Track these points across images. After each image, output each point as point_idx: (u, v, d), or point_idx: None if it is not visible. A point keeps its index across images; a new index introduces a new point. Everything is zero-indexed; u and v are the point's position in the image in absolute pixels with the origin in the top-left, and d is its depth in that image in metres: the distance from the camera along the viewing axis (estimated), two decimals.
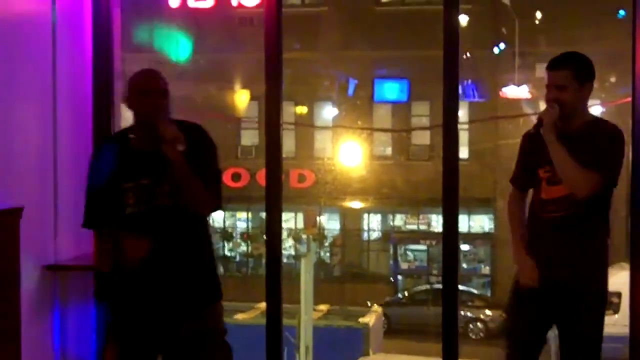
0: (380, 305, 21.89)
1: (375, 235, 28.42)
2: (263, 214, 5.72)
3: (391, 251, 27.69)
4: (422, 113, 26.33)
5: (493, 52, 25.21)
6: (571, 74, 4.21)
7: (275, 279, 5.51)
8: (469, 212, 25.37)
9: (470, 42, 21.70)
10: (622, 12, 21.23)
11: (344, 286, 25.55)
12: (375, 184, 25.71)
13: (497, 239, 25.53)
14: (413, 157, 26.31)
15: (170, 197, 3.89)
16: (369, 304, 21.58)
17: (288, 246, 25.01)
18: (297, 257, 20.32)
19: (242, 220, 28.19)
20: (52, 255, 5.14)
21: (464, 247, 25.48)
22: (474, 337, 23.17)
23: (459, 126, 5.50)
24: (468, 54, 22.56)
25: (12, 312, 4.65)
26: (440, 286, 5.74)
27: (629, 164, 5.00)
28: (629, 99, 5.15)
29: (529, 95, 22.79)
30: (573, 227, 4.26)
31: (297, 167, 24.97)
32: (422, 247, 27.25)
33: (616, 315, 16.51)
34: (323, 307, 18.63)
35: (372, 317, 18.16)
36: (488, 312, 23.89)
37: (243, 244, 28.14)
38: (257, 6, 20.35)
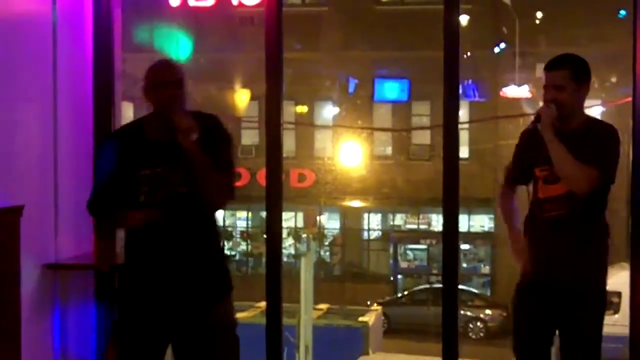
0: (380, 304, 21.90)
1: (375, 234, 28.44)
2: (263, 213, 5.73)
3: (391, 250, 27.70)
4: (422, 113, 26.34)
5: (493, 52, 25.22)
6: (569, 75, 4.27)
7: (275, 278, 5.51)
8: (469, 212, 25.37)
9: (471, 42, 21.70)
10: (622, 12, 21.25)
11: (344, 285, 25.57)
12: (375, 184, 25.72)
13: (497, 238, 25.53)
14: (413, 157, 26.32)
15: (185, 187, 3.93)
16: (369, 304, 21.60)
17: (288, 245, 25.02)
18: (297, 256, 20.32)
19: (242, 220, 28.20)
20: (52, 254, 5.14)
21: (464, 246, 25.48)
22: (473, 336, 23.17)
23: (460, 126, 5.50)
24: (468, 54, 22.56)
25: (12, 310, 4.65)
26: (440, 285, 5.74)
27: (629, 164, 5.01)
28: (630, 98, 5.15)
29: (529, 95, 22.80)
30: (571, 226, 4.29)
31: (297, 166, 24.99)
32: (422, 246, 27.27)
33: (616, 315, 16.51)
34: (323, 307, 18.61)
35: (371, 317, 18.15)
36: (488, 311, 23.90)
37: (243, 243, 28.16)
38: (258, 5, 20.34)
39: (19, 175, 4.84)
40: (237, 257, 27.75)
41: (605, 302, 4.39)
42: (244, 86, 25.75)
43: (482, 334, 23.43)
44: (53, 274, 5.13)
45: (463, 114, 23.64)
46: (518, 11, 24.31)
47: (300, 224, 24.68)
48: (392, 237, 27.66)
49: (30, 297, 4.88)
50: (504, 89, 23.47)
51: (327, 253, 28.00)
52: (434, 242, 25.93)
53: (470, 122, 25.14)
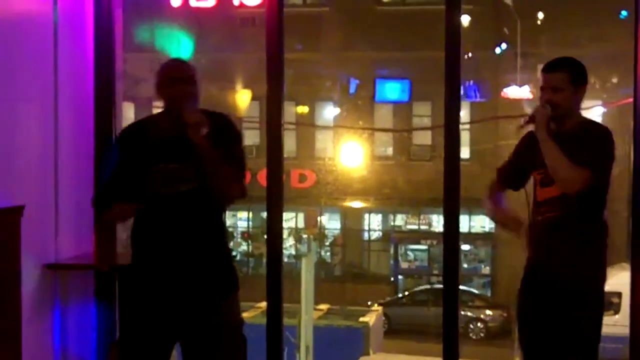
0: (380, 305, 21.89)
1: (376, 235, 28.43)
2: (264, 214, 5.72)
3: (392, 251, 27.69)
4: (423, 113, 26.34)
5: (495, 53, 25.22)
6: (567, 77, 4.30)
7: (275, 279, 5.52)
8: (470, 212, 25.33)
9: (472, 43, 21.69)
10: (624, 13, 21.25)
11: (345, 286, 25.56)
12: (376, 184, 25.71)
13: (497, 239, 25.52)
14: (414, 157, 26.32)
15: (196, 183, 3.96)
16: (370, 304, 21.59)
17: (289, 246, 25.01)
18: (297, 256, 20.31)
19: (242, 220, 28.20)
20: (52, 254, 5.14)
21: (465, 247, 25.48)
22: (474, 337, 23.16)
23: (460, 126, 5.50)
24: (470, 54, 22.55)
25: (13, 310, 4.65)
26: (440, 286, 5.74)
27: (630, 164, 5.01)
28: (631, 99, 5.15)
29: (530, 96, 22.79)
30: (567, 227, 4.32)
31: (298, 167, 24.99)
32: (423, 247, 27.26)
33: (616, 316, 16.52)
34: (323, 307, 18.62)
35: (372, 317, 18.15)
36: (488, 312, 23.89)
37: (244, 243, 28.16)
38: (259, 6, 20.34)
39: (20, 175, 4.84)
40: (238, 258, 27.73)
41: (602, 302, 4.40)
42: (245, 86, 25.75)
43: (482, 335, 23.43)
44: (53, 274, 5.13)
45: (464, 114, 23.62)
46: (519, 12, 24.31)
47: (301, 224, 24.66)
48: (393, 237, 27.65)
49: (30, 297, 4.88)
50: (505, 90, 23.46)
51: (328, 253, 28.00)
52: (434, 242, 25.93)
53: (471, 122, 25.14)
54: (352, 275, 26.85)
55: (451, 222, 5.41)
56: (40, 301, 5.05)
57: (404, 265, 27.53)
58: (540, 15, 24.61)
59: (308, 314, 15.26)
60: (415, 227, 27.72)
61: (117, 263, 5.54)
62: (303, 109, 26.60)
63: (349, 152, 24.60)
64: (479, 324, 23.65)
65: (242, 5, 22.08)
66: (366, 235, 28.29)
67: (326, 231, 27.59)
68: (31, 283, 4.90)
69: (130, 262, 4.20)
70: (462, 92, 5.54)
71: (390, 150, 27.26)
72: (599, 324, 4.39)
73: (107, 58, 5.64)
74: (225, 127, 4.10)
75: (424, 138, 26.69)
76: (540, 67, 4.49)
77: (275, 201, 5.47)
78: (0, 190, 4.61)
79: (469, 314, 23.12)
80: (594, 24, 22.64)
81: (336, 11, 26.25)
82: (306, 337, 15.13)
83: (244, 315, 4.26)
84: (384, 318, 20.51)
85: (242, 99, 25.97)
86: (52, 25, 5.18)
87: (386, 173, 25.75)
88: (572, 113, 4.36)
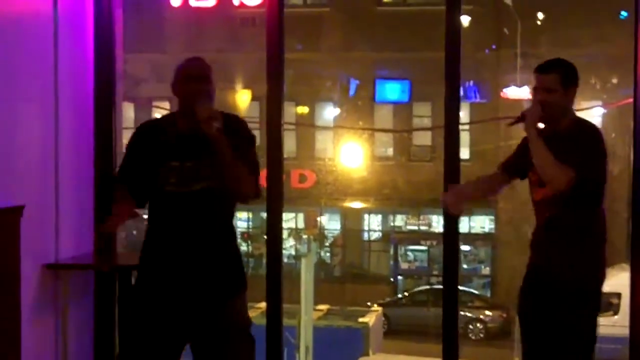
0: (380, 305, 21.89)
1: (375, 235, 28.43)
2: (264, 214, 5.72)
3: (391, 251, 27.68)
4: (423, 114, 26.34)
5: (495, 53, 25.22)
6: (559, 78, 4.38)
7: (275, 279, 5.52)
8: (470, 213, 25.36)
9: (472, 43, 21.69)
10: (624, 14, 21.26)
11: (344, 286, 25.55)
12: (376, 185, 25.72)
13: (497, 239, 25.55)
14: (414, 158, 26.33)
15: (210, 182, 3.99)
16: (369, 304, 21.59)
17: (289, 246, 25.01)
18: (297, 257, 20.34)
19: (242, 220, 28.19)
20: (52, 254, 5.14)
21: (465, 247, 25.47)
22: (474, 337, 23.17)
23: (460, 127, 5.51)
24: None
25: (12, 311, 4.64)
26: (440, 287, 5.74)
27: (630, 165, 5.02)
28: (631, 100, 5.16)
29: (530, 96, 22.77)
30: (562, 226, 4.38)
31: (298, 167, 24.99)
32: (423, 247, 27.25)
33: (616, 316, 16.55)
34: (323, 307, 18.63)
35: (372, 318, 18.16)
36: (488, 312, 23.90)
37: (244, 243, 28.15)
38: (259, 6, 20.37)
39: (20, 175, 4.84)
40: None
41: (596, 301, 4.43)
42: (245, 87, 25.76)
43: (482, 335, 23.43)
44: (53, 274, 5.13)
45: (464, 115, 23.63)
46: (519, 12, 24.31)
47: (300, 224, 24.69)
48: (393, 238, 27.65)
49: (30, 297, 4.88)
50: (504, 90, 23.47)
51: (328, 254, 27.99)
52: (434, 243, 25.92)
53: (471, 123, 25.15)
54: (351, 276, 26.85)
55: (451, 223, 5.42)
56: (40, 301, 5.04)
57: (403, 265, 27.53)
58: (540, 15, 24.62)
59: (308, 314, 15.27)
60: (415, 227, 27.71)
61: (117, 263, 5.55)
62: (303, 109, 26.60)
63: (349, 153, 24.61)
64: (478, 325, 23.66)
65: (242, 5, 22.11)
66: (366, 235, 28.29)
67: (326, 232, 27.59)
68: (31, 283, 4.90)
69: (138, 260, 4.22)
70: (462, 92, 5.54)
71: (390, 151, 27.26)
72: (594, 322, 4.42)
73: (107, 58, 5.64)
74: (239, 129, 4.14)
75: (424, 139, 26.69)
76: None
77: (275, 201, 5.47)
78: (0, 190, 4.60)
79: (468, 314, 23.11)
80: (594, 24, 22.64)
81: (336, 11, 26.26)
82: (306, 338, 15.14)
83: None
84: (383, 318, 20.52)
85: (242, 99, 25.97)
86: (52, 25, 5.18)
87: (386, 173, 25.75)
88: (567, 113, 4.43)
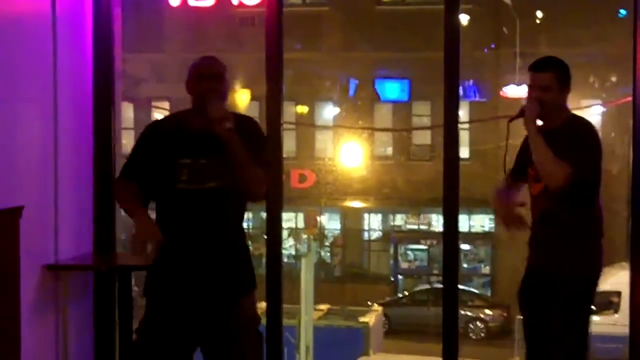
0: (380, 305, 21.89)
1: (375, 235, 28.42)
2: (264, 214, 5.72)
3: (391, 251, 27.68)
4: (423, 113, 26.34)
5: (495, 52, 25.21)
6: (554, 76, 4.46)
7: (275, 279, 5.52)
8: (470, 212, 25.35)
9: (471, 42, 21.69)
10: (623, 12, 21.26)
11: (345, 286, 25.56)
12: (375, 184, 25.71)
13: (497, 238, 25.52)
14: (414, 157, 26.32)
15: (224, 180, 3.99)
16: (369, 304, 21.58)
17: (289, 246, 25.00)
18: (297, 257, 20.31)
19: None
20: (52, 255, 5.13)
21: (465, 246, 25.47)
22: (474, 337, 23.16)
23: (460, 126, 5.51)
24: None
25: (12, 311, 4.64)
26: (440, 286, 5.75)
27: (629, 164, 5.03)
28: (630, 98, 5.17)
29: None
30: (556, 222, 4.46)
31: (297, 167, 24.99)
32: (423, 247, 27.25)
33: (616, 315, 16.57)
34: (323, 307, 18.62)
35: (372, 317, 18.16)
36: (488, 311, 23.89)
37: None
38: (258, 6, 20.35)
39: (19, 175, 4.83)
40: None
41: (588, 295, 4.48)
42: (244, 86, 25.73)
43: (482, 334, 23.43)
44: (53, 275, 5.12)
45: (463, 114, 23.64)
46: (518, 11, 24.31)
47: (300, 224, 24.68)
48: (393, 237, 27.65)
49: (30, 297, 4.87)
50: (504, 89, 23.46)
51: (328, 254, 27.98)
52: (434, 242, 25.91)
53: (470, 122, 25.14)
54: (352, 276, 26.85)
55: (451, 222, 5.42)
56: (40, 302, 5.04)
57: (403, 265, 27.53)
58: (540, 14, 24.62)
59: (308, 314, 15.27)
60: (415, 227, 27.71)
61: (116, 263, 5.55)
62: (303, 109, 26.59)
63: (348, 152, 24.60)
64: (479, 324, 23.66)
65: (241, 4, 22.10)
66: (366, 235, 28.28)
67: (326, 231, 27.57)
68: (31, 284, 4.90)
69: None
70: (461, 91, 5.55)
71: (389, 150, 27.26)
72: (582, 316, 4.48)
73: (106, 58, 5.64)
74: (251, 129, 4.15)
75: (423, 138, 26.69)
76: None
77: (274, 201, 5.46)
78: None
79: (469, 313, 23.11)
80: (593, 23, 22.65)
81: (335, 11, 26.26)
82: (306, 338, 15.14)
83: None
84: (384, 318, 20.51)
85: (242, 99, 25.95)
86: (51, 25, 5.17)
87: (386, 173, 25.74)
88: (561, 110, 4.50)
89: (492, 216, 26.20)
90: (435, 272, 25.50)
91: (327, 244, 27.80)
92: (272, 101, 5.50)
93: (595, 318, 15.64)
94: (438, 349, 5.53)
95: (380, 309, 20.41)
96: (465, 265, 25.73)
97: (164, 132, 4.14)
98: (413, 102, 26.63)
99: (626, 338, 5.15)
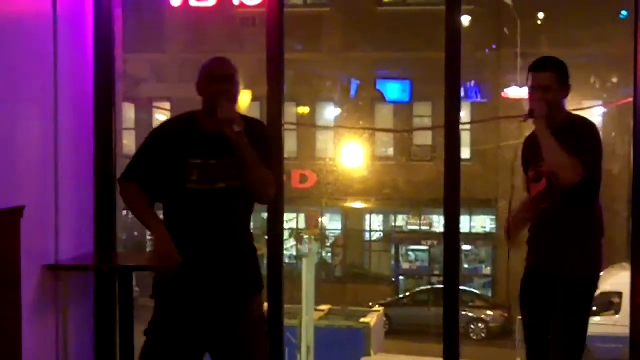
0: (381, 305, 21.89)
1: (376, 235, 28.42)
2: (264, 214, 5.72)
3: (393, 252, 27.68)
4: (424, 113, 26.33)
5: (496, 53, 25.22)
6: (555, 76, 4.48)
7: (276, 280, 5.51)
8: (471, 213, 25.37)
9: (473, 43, 21.69)
10: (624, 13, 21.25)
11: (346, 286, 25.56)
12: (377, 185, 25.71)
13: (498, 239, 25.51)
14: (415, 158, 26.31)
15: (234, 181, 3.99)
16: (371, 305, 21.59)
17: (290, 246, 24.99)
18: (298, 257, 20.30)
19: None
20: (52, 255, 5.13)
21: (466, 247, 25.48)
22: (475, 337, 23.16)
23: (461, 127, 5.51)
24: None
25: (13, 311, 4.64)
26: (441, 286, 5.74)
27: (630, 164, 5.03)
28: (631, 99, 5.17)
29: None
30: (554, 222, 4.48)
31: (299, 167, 24.99)
32: (424, 247, 27.25)
33: (617, 316, 16.55)
34: (324, 308, 18.63)
35: (373, 318, 18.16)
36: (489, 312, 23.89)
37: None
38: (259, 6, 20.35)
39: (20, 175, 4.83)
40: None
41: (591, 293, 4.48)
42: (245, 87, 25.59)
43: (483, 335, 23.43)
44: (53, 275, 5.12)
45: (465, 114, 23.62)
46: (519, 12, 24.30)
47: (302, 225, 24.66)
48: (394, 238, 27.64)
49: (30, 297, 4.87)
50: (505, 90, 23.46)
51: (329, 254, 27.99)
52: (435, 243, 25.91)
53: (471, 122, 25.15)
54: (353, 276, 26.84)
55: (452, 223, 5.41)
56: (41, 302, 5.04)
57: (405, 265, 27.53)
58: (541, 15, 24.61)
59: (309, 314, 15.27)
60: (416, 227, 27.71)
61: (117, 263, 5.55)
62: (304, 110, 26.59)
63: (349, 153, 24.59)
64: (480, 325, 23.65)
65: (242, 5, 22.09)
66: (367, 235, 28.28)
67: (327, 232, 27.58)
68: (31, 284, 4.89)
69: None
70: (462, 92, 5.55)
71: (391, 151, 27.25)
72: (583, 312, 4.47)
73: (106, 58, 5.64)
74: (262, 133, 4.17)
75: (424, 138, 26.68)
76: None
77: (276, 202, 5.46)
78: (0, 191, 4.60)
79: (470, 314, 23.11)
80: (594, 24, 22.64)
81: (337, 11, 26.26)
82: (307, 338, 15.14)
83: None
84: (385, 319, 20.52)
85: (243, 99, 25.92)
86: (52, 25, 5.17)
87: (387, 173, 25.74)
88: (561, 110, 4.52)
89: (493, 217, 26.21)
90: (437, 272, 25.49)
91: (328, 244, 27.80)
92: (273, 102, 5.50)
93: (596, 319, 15.64)
94: (439, 349, 5.53)
95: (381, 309, 20.43)
96: (466, 266, 25.73)
97: (175, 132, 4.13)
98: (414, 102, 26.62)
99: (627, 339, 5.15)
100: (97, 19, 5.59)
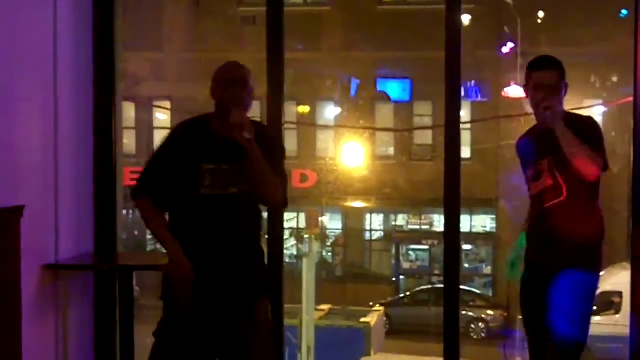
0: (382, 305, 21.89)
1: (377, 235, 28.42)
2: (265, 214, 5.71)
3: (393, 251, 27.68)
4: (424, 113, 26.32)
5: (496, 52, 25.20)
6: (557, 75, 4.47)
7: (277, 279, 5.51)
8: (471, 212, 25.36)
9: (473, 42, 21.69)
10: (624, 12, 21.24)
11: (346, 286, 25.56)
12: (377, 184, 25.71)
13: (498, 239, 25.52)
14: (415, 157, 26.30)
15: (247, 185, 4.00)
16: (371, 304, 21.58)
17: (290, 246, 25.00)
18: (299, 257, 20.31)
19: None
20: (52, 255, 5.14)
21: (466, 247, 25.48)
22: (475, 337, 23.17)
23: (461, 126, 5.51)
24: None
25: (13, 311, 4.64)
26: (442, 286, 5.75)
27: (630, 164, 5.02)
28: (631, 98, 5.17)
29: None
30: (554, 222, 4.46)
31: (299, 167, 24.98)
32: (424, 247, 27.25)
33: (617, 315, 16.57)
34: (325, 307, 18.63)
35: (373, 317, 18.16)
36: (490, 312, 23.90)
37: None
38: (259, 5, 20.35)
39: (20, 175, 4.84)
40: None
41: (595, 289, 4.47)
42: None
43: (483, 335, 23.43)
44: (53, 275, 5.12)
45: (465, 113, 23.62)
46: (520, 11, 24.29)
47: (302, 224, 24.66)
48: (394, 237, 27.64)
49: (30, 297, 4.87)
50: (505, 89, 23.45)
51: (329, 254, 27.99)
52: (435, 242, 25.92)
53: (472, 122, 25.13)
54: (353, 276, 26.84)
55: (452, 222, 5.41)
56: (41, 301, 5.04)
57: (405, 265, 27.54)
58: (541, 14, 24.61)
59: (309, 314, 15.27)
60: (417, 227, 27.70)
61: (117, 263, 5.55)
62: (304, 109, 26.59)
63: (350, 152, 24.60)
64: (480, 324, 23.66)
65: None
66: (367, 235, 28.28)
67: (327, 231, 27.58)
68: (31, 283, 4.90)
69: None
70: (463, 92, 5.55)
71: (391, 150, 27.25)
72: (584, 304, 4.46)
73: (107, 57, 5.64)
74: (270, 138, 4.18)
75: (425, 138, 26.67)
76: None
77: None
78: (0, 190, 4.60)
79: (470, 314, 23.12)
80: (594, 23, 22.63)
81: (337, 10, 26.25)
82: (307, 338, 15.14)
83: None
84: (385, 318, 20.53)
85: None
86: (52, 24, 5.17)
87: (387, 173, 25.74)
88: (561, 107, 4.49)
89: (493, 216, 26.21)
90: (437, 272, 25.50)
91: (328, 244, 27.80)
92: (274, 101, 5.51)
93: (596, 318, 15.64)
94: (439, 349, 5.53)
95: (381, 309, 20.43)
96: (466, 266, 25.73)
97: (190, 136, 4.12)
98: (414, 102, 26.61)
99: (627, 338, 5.15)
100: (97, 18, 5.59)
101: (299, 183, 24.97)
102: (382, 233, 28.36)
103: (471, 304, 23.70)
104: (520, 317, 4.82)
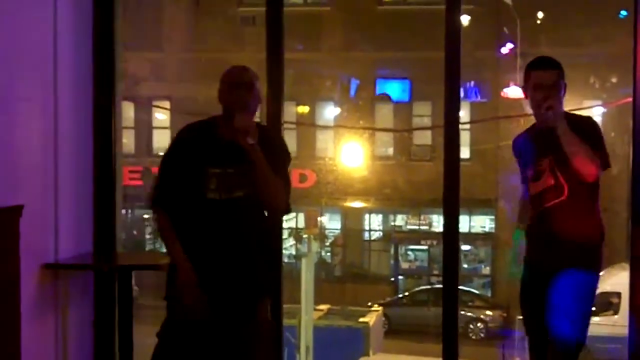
0: (380, 305, 21.88)
1: (376, 235, 28.41)
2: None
3: (392, 251, 27.68)
4: (423, 113, 26.33)
5: (495, 53, 25.20)
6: (556, 74, 4.46)
7: (276, 279, 5.51)
8: (470, 213, 25.35)
9: (472, 43, 21.69)
10: (623, 13, 21.24)
11: (345, 286, 25.55)
12: (376, 184, 25.71)
13: (497, 239, 25.52)
14: (414, 158, 26.30)
15: (250, 189, 4.01)
16: (370, 304, 21.57)
17: (289, 246, 25.00)
18: (298, 257, 20.31)
19: None
20: (52, 254, 5.14)
21: (465, 247, 25.47)
22: (474, 337, 23.16)
23: (461, 126, 5.51)
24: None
25: (12, 310, 4.65)
26: (440, 286, 5.75)
27: (629, 164, 5.03)
28: (630, 99, 5.17)
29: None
30: (554, 222, 4.46)
31: (298, 166, 24.96)
32: (423, 247, 27.25)
33: (616, 316, 16.57)
34: (324, 307, 18.63)
35: (372, 317, 18.17)
36: (488, 312, 23.89)
37: None
38: (259, 5, 20.35)
39: (19, 174, 4.84)
40: None
41: (594, 289, 4.47)
42: None
43: (482, 335, 23.43)
44: (53, 274, 5.13)
45: (464, 114, 23.62)
46: (519, 11, 24.30)
47: (301, 224, 24.66)
48: (393, 237, 27.64)
49: (30, 297, 4.88)
50: (504, 90, 23.45)
51: (328, 254, 27.98)
52: (434, 242, 25.91)
53: (471, 122, 25.14)
54: (352, 276, 26.84)
55: (451, 222, 5.41)
56: (40, 301, 5.04)
57: (404, 265, 27.53)
58: (540, 15, 24.61)
59: (308, 314, 15.27)
60: (416, 227, 27.70)
61: (117, 263, 5.55)
62: (304, 109, 26.59)
63: (349, 152, 24.59)
64: (479, 324, 23.65)
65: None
66: (366, 235, 28.27)
67: (326, 231, 27.57)
68: (31, 283, 4.90)
69: (168, 268, 4.17)
70: (462, 92, 5.55)
71: (390, 150, 27.25)
72: (583, 301, 4.45)
73: (107, 57, 5.64)
74: (275, 143, 4.19)
75: (424, 138, 26.67)
76: None
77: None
78: (0, 190, 4.60)
79: (469, 314, 23.11)
80: (594, 23, 22.63)
81: (337, 11, 26.25)
82: (306, 338, 15.14)
83: None
84: (384, 318, 20.52)
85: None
86: (52, 24, 5.17)
87: (387, 173, 25.74)
88: (561, 107, 4.48)
89: (492, 217, 26.21)
90: (436, 272, 25.50)
91: (327, 244, 27.80)
92: (273, 101, 5.50)
93: (595, 319, 15.64)
94: (438, 349, 5.53)
95: (380, 309, 20.42)
96: (465, 266, 25.72)
97: (195, 139, 4.13)
98: (414, 102, 26.62)
99: (626, 338, 5.15)
100: (97, 18, 5.59)
101: (298, 183, 24.96)
102: (381, 233, 28.35)
103: (470, 304, 23.69)
104: (520, 317, 4.81)
